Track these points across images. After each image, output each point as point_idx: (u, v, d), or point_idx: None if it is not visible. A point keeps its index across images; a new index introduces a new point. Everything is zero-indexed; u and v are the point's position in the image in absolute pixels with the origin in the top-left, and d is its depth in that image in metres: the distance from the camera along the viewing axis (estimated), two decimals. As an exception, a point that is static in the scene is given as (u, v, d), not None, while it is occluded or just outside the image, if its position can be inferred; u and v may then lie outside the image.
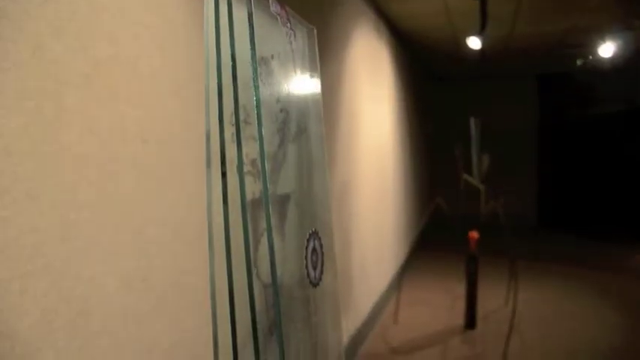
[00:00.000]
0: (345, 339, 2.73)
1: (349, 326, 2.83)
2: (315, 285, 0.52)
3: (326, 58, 2.47)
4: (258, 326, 0.45)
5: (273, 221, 0.44)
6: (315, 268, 0.53)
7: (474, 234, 3.20)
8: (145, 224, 1.18)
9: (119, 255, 1.11)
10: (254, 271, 0.45)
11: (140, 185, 1.17)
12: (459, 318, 3.54)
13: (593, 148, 6.47)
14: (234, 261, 0.44)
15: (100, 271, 1.06)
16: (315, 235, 0.53)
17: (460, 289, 4.14)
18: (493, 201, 3.33)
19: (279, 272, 0.44)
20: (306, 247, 0.51)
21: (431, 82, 7.10)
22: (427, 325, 3.45)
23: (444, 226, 5.01)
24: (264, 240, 0.44)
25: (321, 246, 0.55)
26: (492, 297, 3.93)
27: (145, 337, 1.18)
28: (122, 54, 1.12)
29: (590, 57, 4.71)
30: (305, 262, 0.51)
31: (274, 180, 0.45)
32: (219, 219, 0.45)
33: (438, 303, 3.90)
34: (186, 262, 1.31)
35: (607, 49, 4.31)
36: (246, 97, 0.44)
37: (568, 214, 6.50)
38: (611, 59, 4.46)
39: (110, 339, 1.08)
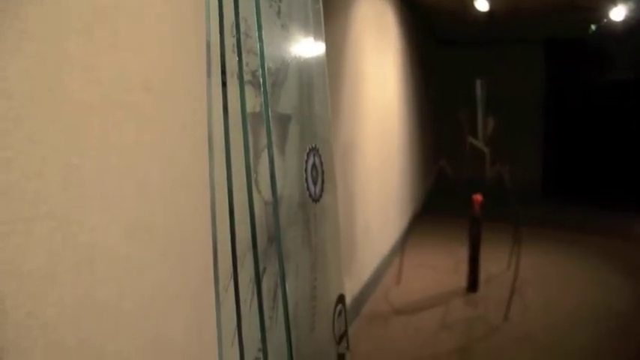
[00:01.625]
0: (348, 299, 2.76)
1: (352, 287, 2.86)
2: (315, 200, 0.52)
3: (330, 15, 2.44)
4: (258, 237, 0.45)
5: (274, 139, 0.44)
6: (315, 184, 0.53)
7: (478, 197, 3.20)
8: (147, 174, 1.18)
9: (122, 204, 1.11)
10: (254, 187, 0.45)
11: (142, 135, 1.17)
12: (461, 281, 3.56)
13: (600, 116, 6.41)
14: (235, 172, 0.44)
15: (103, 219, 1.06)
16: (314, 150, 0.52)
17: (463, 253, 4.16)
18: (498, 164, 3.31)
19: (279, 186, 0.44)
20: (306, 162, 0.51)
21: (436, 46, 7.01)
22: (430, 287, 3.49)
23: (449, 191, 5.01)
24: (265, 156, 0.44)
25: (321, 164, 0.55)
26: (495, 261, 3.96)
27: (149, 286, 1.20)
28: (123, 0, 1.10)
29: (605, 20, 4.61)
30: (305, 175, 0.51)
31: (275, 97, 0.45)
32: (219, 129, 0.45)
33: (441, 266, 3.93)
34: (189, 214, 1.32)
35: (619, 13, 4.23)
36: (247, 10, 0.44)
37: (573, 183, 6.48)
38: (623, 24, 4.38)
39: (114, 286, 1.09)
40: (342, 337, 0.62)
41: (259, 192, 0.47)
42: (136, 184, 1.15)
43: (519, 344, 2.64)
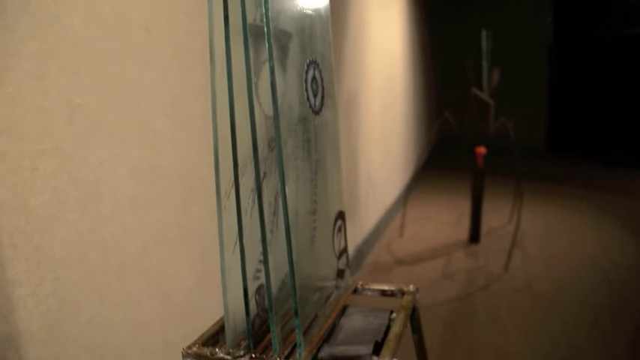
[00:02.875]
0: (351, 250, 2.80)
1: (355, 238, 2.89)
2: (315, 112, 0.53)
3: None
4: (259, 145, 0.46)
5: (275, 53, 0.44)
6: (315, 96, 0.53)
7: (481, 149, 3.20)
8: (150, 115, 1.19)
9: (126, 143, 1.12)
10: (255, 99, 0.45)
11: (144, 75, 1.16)
12: (463, 233, 3.60)
13: (607, 72, 6.31)
14: (236, 86, 0.44)
15: (108, 157, 1.07)
16: (314, 64, 0.52)
17: (466, 207, 4.19)
18: (503, 118, 3.29)
19: (279, 98, 0.44)
20: (306, 72, 0.51)
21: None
22: (432, 239, 3.52)
23: (452, 143, 5.01)
24: (265, 70, 0.44)
25: (321, 79, 0.55)
26: (497, 214, 3.98)
27: (154, 226, 1.22)
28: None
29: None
30: (305, 85, 0.51)
31: (275, 12, 0.44)
32: (220, 40, 0.45)
33: (443, 219, 3.96)
34: (192, 155, 1.33)
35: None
36: None
37: (578, 139, 6.44)
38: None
39: (119, 224, 1.11)
40: (342, 253, 0.63)
41: (260, 104, 0.47)
42: (139, 123, 1.16)
43: (519, 294, 2.68)
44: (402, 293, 0.63)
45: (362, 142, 3.04)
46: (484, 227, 3.71)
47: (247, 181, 0.48)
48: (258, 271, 0.51)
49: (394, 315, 0.58)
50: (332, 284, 0.58)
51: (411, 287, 0.63)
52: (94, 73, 1.03)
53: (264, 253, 0.46)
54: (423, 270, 3.02)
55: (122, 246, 1.12)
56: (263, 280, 0.49)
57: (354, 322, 0.58)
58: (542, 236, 3.52)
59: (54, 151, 0.94)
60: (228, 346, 0.50)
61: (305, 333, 0.50)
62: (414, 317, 0.63)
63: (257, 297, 0.50)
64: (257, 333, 0.50)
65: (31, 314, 0.92)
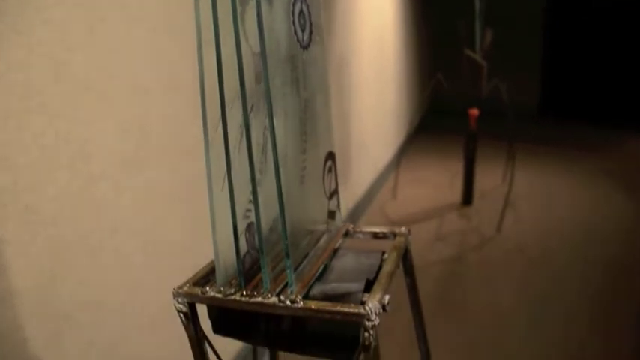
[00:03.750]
0: (344, 213, 2.80)
1: (348, 201, 2.89)
2: (303, 47, 0.52)
3: None
4: (246, 81, 0.45)
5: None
6: (303, 31, 0.52)
7: (474, 111, 3.18)
8: (139, 73, 1.17)
9: (115, 101, 1.10)
10: (242, 36, 0.44)
11: (132, 32, 1.14)
12: (456, 195, 3.61)
13: (601, 34, 6.25)
14: (222, 23, 0.43)
15: (97, 114, 1.06)
16: None
17: (459, 169, 4.19)
18: (496, 79, 3.27)
19: (266, 35, 0.43)
20: (293, 5, 0.50)
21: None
22: (425, 201, 3.54)
23: (445, 106, 4.98)
24: (252, 3, 0.43)
25: (309, 13, 0.54)
26: (490, 177, 3.99)
27: (146, 185, 1.21)
28: None
29: None
30: (292, 18, 0.50)
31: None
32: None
33: (436, 181, 3.96)
34: (183, 114, 1.31)
35: None
36: None
37: (571, 101, 6.41)
38: None
39: (111, 184, 1.10)
40: (332, 194, 0.63)
41: (247, 40, 0.46)
42: (128, 82, 1.14)
43: (511, 254, 2.70)
44: (394, 235, 0.63)
45: (354, 105, 3.02)
46: (477, 189, 3.72)
47: (235, 116, 0.47)
48: (248, 210, 0.51)
49: (386, 255, 0.59)
50: (323, 227, 0.58)
51: (403, 229, 0.64)
52: (80, 30, 1.01)
53: (254, 192, 0.46)
54: (415, 232, 3.03)
55: (114, 205, 1.12)
56: (253, 218, 0.49)
57: (346, 262, 0.58)
58: (534, 197, 3.54)
59: (41, 109, 0.93)
60: (218, 284, 0.50)
61: (296, 272, 0.50)
62: (406, 259, 0.64)
63: (247, 235, 0.50)
64: (248, 272, 0.50)
65: (23, 273, 0.92)
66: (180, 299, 0.51)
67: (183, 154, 1.34)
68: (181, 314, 0.52)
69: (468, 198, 3.43)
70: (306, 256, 0.55)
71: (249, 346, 1.13)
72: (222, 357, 0.59)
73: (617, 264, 2.54)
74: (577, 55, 6.47)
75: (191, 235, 1.40)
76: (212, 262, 0.57)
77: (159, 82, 1.23)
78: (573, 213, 3.24)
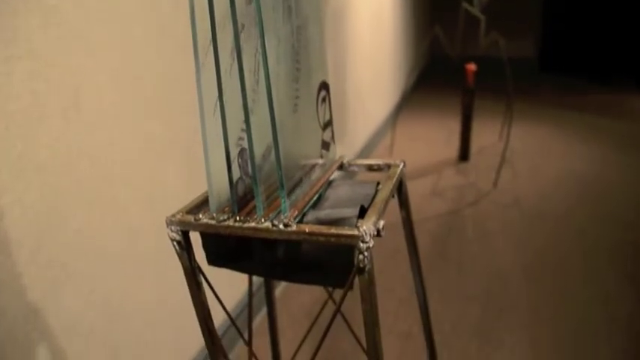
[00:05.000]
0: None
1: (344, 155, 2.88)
2: None
3: None
4: (237, 5, 0.44)
5: None
6: None
7: (472, 66, 3.15)
8: (131, 22, 1.15)
9: (107, 49, 1.08)
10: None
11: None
12: (453, 152, 3.61)
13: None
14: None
15: (88, 62, 1.04)
16: None
17: (456, 126, 4.18)
18: (494, 33, 3.22)
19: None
20: None
21: None
22: (422, 158, 3.54)
23: (442, 61, 4.93)
24: None
25: None
26: (487, 133, 3.99)
27: (139, 135, 1.20)
28: None
29: None
30: None
31: None
32: None
33: (433, 138, 3.96)
34: (177, 65, 1.30)
35: None
36: None
37: (571, 59, 6.34)
38: None
39: (105, 133, 1.09)
40: (327, 125, 0.62)
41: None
42: (119, 30, 1.11)
43: (507, 209, 2.72)
44: (389, 167, 0.63)
45: (350, 58, 2.98)
46: (474, 146, 3.72)
47: (226, 38, 0.46)
48: (241, 139, 0.50)
49: (381, 186, 0.58)
50: (317, 158, 0.57)
51: (398, 161, 0.63)
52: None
53: (246, 117, 0.45)
54: (412, 187, 3.05)
55: (109, 154, 1.11)
56: (246, 145, 0.48)
57: (340, 192, 0.57)
58: (531, 154, 3.54)
59: (30, 55, 0.91)
60: (212, 211, 0.49)
61: (289, 199, 0.49)
62: (401, 191, 0.63)
63: (240, 160, 0.49)
64: (241, 200, 0.50)
65: (19, 221, 0.92)
66: (173, 227, 0.51)
67: (179, 106, 1.32)
68: (175, 243, 0.52)
69: (464, 154, 3.43)
70: (300, 185, 0.54)
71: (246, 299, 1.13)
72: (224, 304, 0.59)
73: (612, 218, 2.56)
74: (579, 10, 6.35)
75: (187, 186, 1.40)
76: (205, 192, 0.57)
77: (152, 32, 1.21)
78: (570, 169, 3.24)
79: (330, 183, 0.60)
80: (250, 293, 0.74)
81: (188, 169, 1.39)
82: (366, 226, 0.45)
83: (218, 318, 1.59)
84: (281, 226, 0.47)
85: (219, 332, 1.61)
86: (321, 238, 0.45)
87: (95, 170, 1.08)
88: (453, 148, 3.67)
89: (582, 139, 3.80)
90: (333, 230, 0.45)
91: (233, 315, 1.70)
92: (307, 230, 0.46)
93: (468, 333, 1.77)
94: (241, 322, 1.74)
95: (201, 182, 1.41)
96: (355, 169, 0.66)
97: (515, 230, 2.48)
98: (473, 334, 1.76)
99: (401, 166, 0.62)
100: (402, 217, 0.67)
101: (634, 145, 3.62)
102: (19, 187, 0.92)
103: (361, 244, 0.45)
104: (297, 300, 1.98)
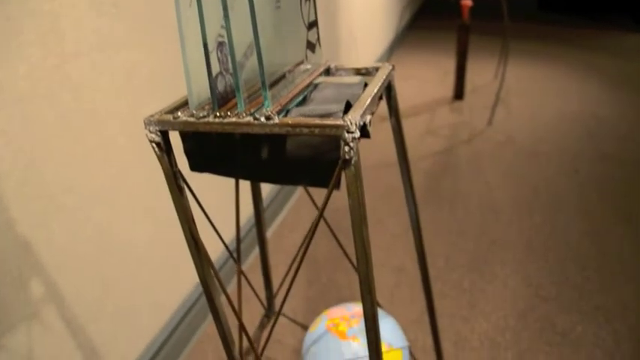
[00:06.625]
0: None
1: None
2: None
3: None
4: None
5: None
6: None
7: (467, 2, 3.07)
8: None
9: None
10: None
11: None
12: (448, 91, 3.57)
13: None
14: None
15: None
16: None
17: (451, 66, 4.12)
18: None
19: None
20: None
21: None
22: (416, 97, 3.49)
23: (438, 1, 4.82)
24: None
25: None
26: (482, 73, 3.93)
27: (124, 65, 1.16)
28: None
29: None
30: None
31: None
32: None
33: (428, 77, 3.90)
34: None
35: None
36: None
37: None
38: None
39: (86, 62, 1.05)
40: (312, 25, 0.59)
41: None
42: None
43: (502, 146, 2.70)
44: (377, 70, 0.60)
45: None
46: (469, 85, 3.67)
47: None
48: (221, 35, 0.47)
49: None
50: (302, 59, 0.54)
51: (386, 64, 0.60)
52: None
53: (225, 12, 0.42)
54: (407, 126, 3.02)
55: (92, 85, 1.08)
56: (226, 39, 0.46)
57: (326, 93, 0.55)
58: (526, 92, 3.50)
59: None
60: (191, 108, 0.47)
61: (272, 94, 0.47)
62: (390, 96, 0.61)
63: (219, 54, 0.46)
64: (222, 99, 0.48)
65: (2, 154, 0.89)
66: (152, 128, 0.49)
67: (162, 36, 1.28)
68: (154, 145, 0.50)
69: (459, 92, 3.39)
70: (284, 85, 0.52)
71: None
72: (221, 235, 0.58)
73: (605, 156, 2.55)
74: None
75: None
76: (185, 96, 0.55)
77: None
78: (565, 107, 3.21)
79: (315, 86, 0.58)
80: (237, 201, 0.73)
81: (175, 99, 1.36)
82: (352, 116, 0.43)
83: (214, 255, 1.60)
84: (262, 119, 0.44)
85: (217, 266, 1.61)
86: (305, 130, 0.43)
87: (78, 102, 1.05)
88: (448, 88, 3.63)
89: (578, 77, 3.75)
90: (318, 121, 0.43)
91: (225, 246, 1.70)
92: (290, 122, 0.43)
93: (462, 267, 1.78)
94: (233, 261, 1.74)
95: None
96: (342, 73, 0.63)
97: (508, 167, 2.48)
98: (466, 268, 1.77)
99: (390, 68, 0.60)
100: (392, 124, 0.65)
101: (630, 83, 3.58)
102: (1, 117, 0.89)
103: (347, 135, 0.43)
104: (289, 239, 1.99)
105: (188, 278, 1.52)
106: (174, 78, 1.34)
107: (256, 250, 1.90)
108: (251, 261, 1.86)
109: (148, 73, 1.24)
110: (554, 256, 1.81)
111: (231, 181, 1.71)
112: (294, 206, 2.21)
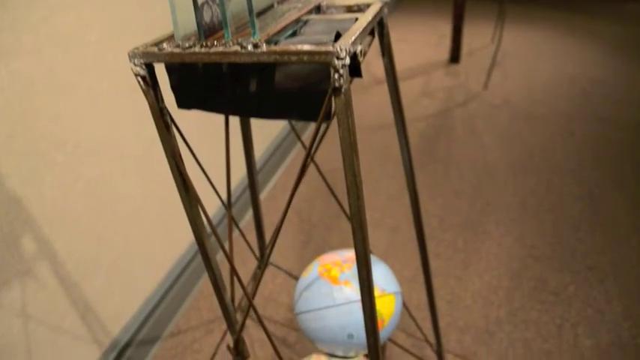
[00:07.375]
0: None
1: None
2: None
3: None
4: None
5: None
6: None
7: (465, -39, 3.01)
8: None
9: None
10: None
11: None
12: (444, 54, 3.53)
13: None
14: None
15: None
16: None
17: (447, 29, 4.07)
18: None
19: None
20: None
21: None
22: (411, 60, 3.46)
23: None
24: None
25: None
26: (478, 36, 3.89)
27: (110, 18, 1.13)
28: None
29: None
30: None
31: None
32: None
33: (423, 41, 3.85)
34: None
35: None
36: None
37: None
38: None
39: (72, 17, 1.03)
40: None
41: None
42: None
43: (497, 109, 2.69)
44: (369, 6, 0.59)
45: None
46: (465, 48, 3.63)
47: None
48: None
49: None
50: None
51: (378, 1, 0.59)
52: None
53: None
54: (402, 88, 3.00)
55: (80, 39, 1.05)
56: None
57: (317, 27, 0.53)
58: (522, 56, 3.47)
59: None
60: (177, 39, 0.46)
61: (260, 29, 0.46)
62: (382, 33, 0.60)
63: None
64: (209, 30, 0.47)
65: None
66: (136, 61, 0.47)
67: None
68: (139, 78, 0.49)
69: (455, 56, 3.35)
70: (273, 19, 0.50)
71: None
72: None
73: (600, 119, 2.54)
74: None
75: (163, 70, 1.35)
76: (171, 31, 0.53)
77: None
78: (562, 71, 3.19)
79: (305, 22, 0.56)
80: (227, 137, 0.72)
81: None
82: (342, 43, 0.42)
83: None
84: (250, 47, 0.43)
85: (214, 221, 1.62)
86: (294, 58, 0.42)
87: (66, 56, 1.02)
88: (444, 51, 3.59)
89: (576, 42, 3.71)
90: (307, 48, 0.41)
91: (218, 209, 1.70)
92: (278, 50, 0.42)
93: (456, 226, 1.79)
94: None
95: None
96: (333, 10, 0.62)
97: (504, 129, 2.47)
98: (460, 228, 1.78)
99: (381, 4, 0.58)
100: (385, 64, 0.64)
101: (627, 48, 3.55)
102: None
103: (336, 61, 0.41)
104: (282, 200, 1.99)
105: (183, 236, 1.52)
106: (166, 32, 1.31)
107: (250, 212, 1.90)
108: (245, 224, 1.86)
109: (139, 27, 1.22)
110: (549, 217, 1.82)
111: (223, 141, 1.69)
112: (288, 167, 2.20)
